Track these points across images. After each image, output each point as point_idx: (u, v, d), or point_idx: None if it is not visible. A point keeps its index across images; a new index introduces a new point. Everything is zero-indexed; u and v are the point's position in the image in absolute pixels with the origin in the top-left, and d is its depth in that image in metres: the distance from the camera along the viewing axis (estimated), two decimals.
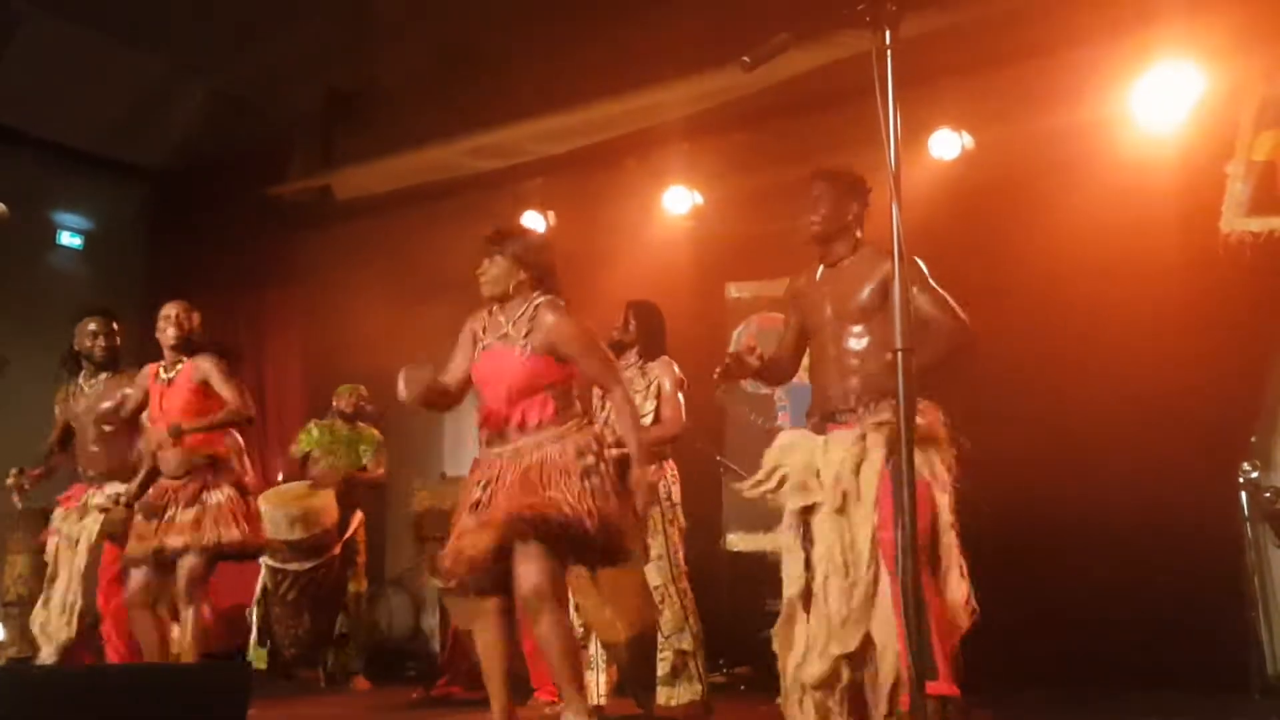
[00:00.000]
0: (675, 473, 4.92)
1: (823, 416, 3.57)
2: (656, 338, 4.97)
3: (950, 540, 3.31)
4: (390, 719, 5.37)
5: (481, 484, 3.63)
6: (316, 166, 7.73)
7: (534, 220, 7.28)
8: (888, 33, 2.46)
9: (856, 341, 3.51)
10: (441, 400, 3.79)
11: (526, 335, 3.65)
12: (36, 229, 7.61)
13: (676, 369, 4.92)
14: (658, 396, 4.85)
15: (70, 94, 6.93)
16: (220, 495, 4.68)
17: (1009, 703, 4.40)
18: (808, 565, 3.44)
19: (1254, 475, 4.89)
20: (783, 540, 3.51)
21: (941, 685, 3.12)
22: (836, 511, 3.39)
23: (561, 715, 3.55)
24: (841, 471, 3.40)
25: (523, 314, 3.71)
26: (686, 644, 4.76)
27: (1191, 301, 5.06)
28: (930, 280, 3.43)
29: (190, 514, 4.62)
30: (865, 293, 3.50)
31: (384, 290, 7.13)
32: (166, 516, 4.62)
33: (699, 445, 5.66)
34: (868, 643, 3.31)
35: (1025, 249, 5.48)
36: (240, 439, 5.07)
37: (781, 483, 3.50)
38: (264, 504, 5.46)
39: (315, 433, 6.55)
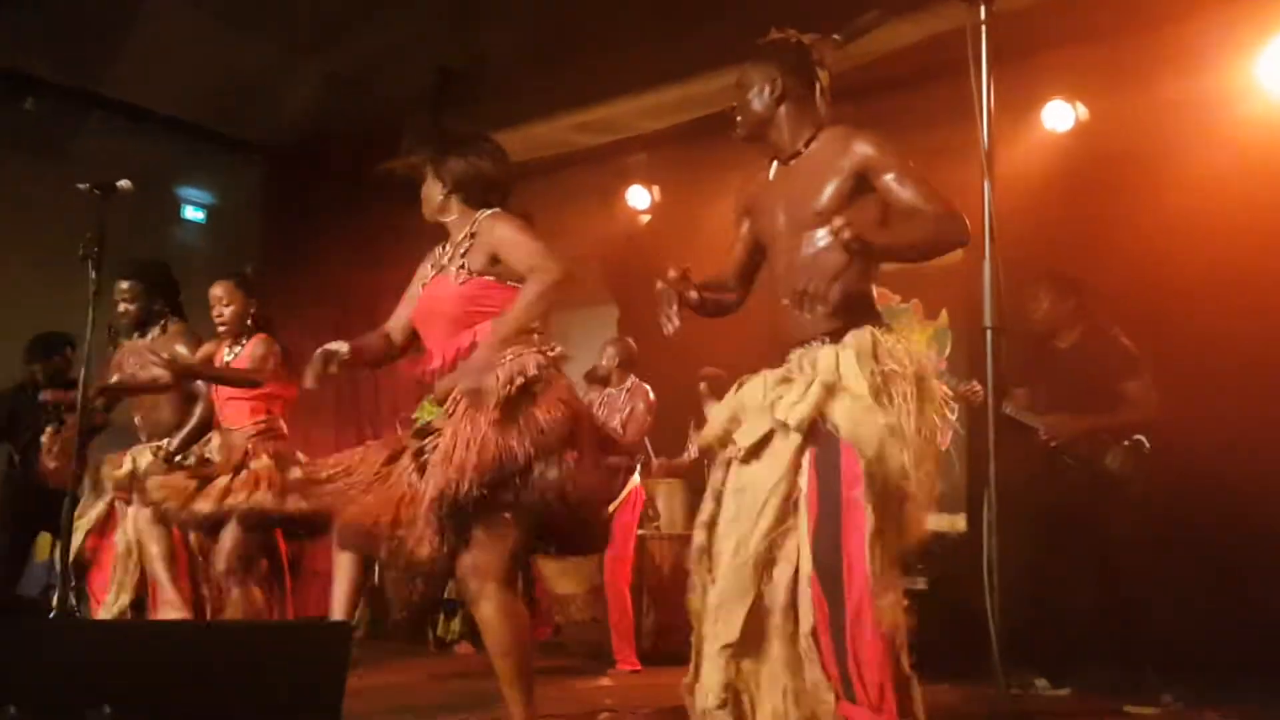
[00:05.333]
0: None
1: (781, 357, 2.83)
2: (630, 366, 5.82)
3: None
4: (462, 685, 5.27)
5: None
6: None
7: (639, 195, 7.32)
8: (983, 7, 2.40)
9: (813, 259, 2.70)
10: (376, 359, 3.32)
11: (464, 256, 3.13)
12: (162, 203, 7.91)
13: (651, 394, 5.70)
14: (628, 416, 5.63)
15: (192, 74, 7.18)
16: (260, 463, 4.55)
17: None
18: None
19: None
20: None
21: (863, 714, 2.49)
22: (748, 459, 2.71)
23: None
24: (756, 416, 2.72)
25: (464, 235, 3.18)
26: None
27: None
28: (911, 168, 2.69)
29: (228, 480, 4.51)
30: (827, 192, 2.71)
31: None
32: (205, 477, 4.55)
33: None
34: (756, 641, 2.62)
35: (1143, 222, 5.28)
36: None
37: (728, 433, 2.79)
38: None
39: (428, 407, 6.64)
